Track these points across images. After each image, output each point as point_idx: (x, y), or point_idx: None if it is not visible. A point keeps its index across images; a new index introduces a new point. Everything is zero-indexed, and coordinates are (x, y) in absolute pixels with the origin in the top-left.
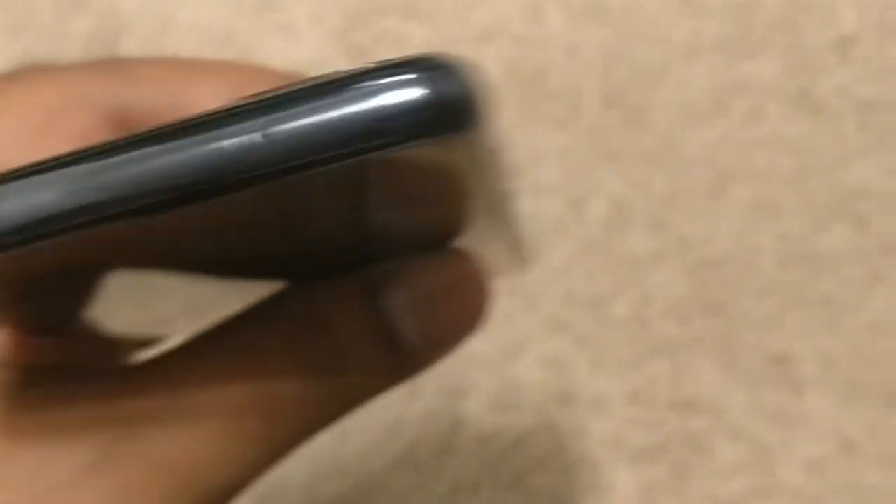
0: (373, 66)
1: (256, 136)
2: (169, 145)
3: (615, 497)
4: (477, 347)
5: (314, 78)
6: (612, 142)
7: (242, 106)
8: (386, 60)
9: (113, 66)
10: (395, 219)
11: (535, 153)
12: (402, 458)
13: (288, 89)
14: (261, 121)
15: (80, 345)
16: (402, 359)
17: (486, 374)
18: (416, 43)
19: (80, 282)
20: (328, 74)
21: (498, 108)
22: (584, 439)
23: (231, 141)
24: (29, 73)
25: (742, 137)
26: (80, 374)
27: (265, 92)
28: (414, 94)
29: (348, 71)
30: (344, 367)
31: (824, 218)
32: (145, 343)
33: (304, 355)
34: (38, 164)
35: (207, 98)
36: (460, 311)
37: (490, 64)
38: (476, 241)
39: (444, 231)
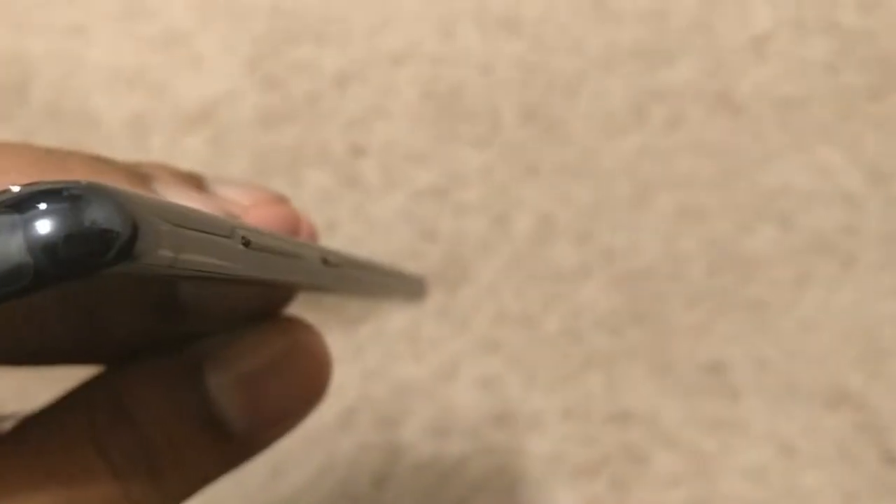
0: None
1: None
2: None
3: None
4: (409, 373)
5: None
6: (533, 157)
7: None
8: (7, 193)
9: None
10: (196, 305)
11: (455, 173)
12: (338, 492)
13: None
14: None
15: None
16: (229, 444)
17: (421, 400)
18: (329, 70)
19: None
20: None
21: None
22: (523, 459)
23: None
24: None
25: (663, 145)
26: None
27: None
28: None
29: None
30: (162, 459)
31: (749, 220)
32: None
33: (112, 451)
34: None
35: (11, 177)
36: (291, 388)
37: (405, 85)
38: (320, 301)
39: (269, 303)
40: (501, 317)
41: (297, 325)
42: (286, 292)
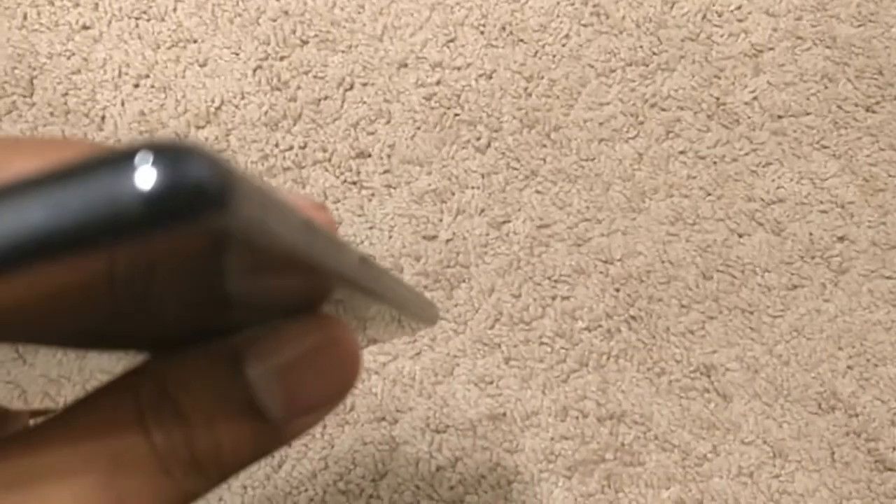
0: (97, 156)
1: None
2: None
3: None
4: (408, 371)
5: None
6: (532, 162)
7: None
8: (114, 149)
9: None
10: (249, 290)
11: (456, 176)
12: (336, 486)
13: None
14: None
15: None
16: (265, 430)
17: (418, 397)
18: (332, 73)
19: None
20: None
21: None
22: (518, 456)
23: None
24: None
25: (659, 151)
26: None
27: None
28: (138, 183)
29: (72, 164)
30: (202, 444)
31: (743, 226)
32: (41, 413)
33: (159, 430)
34: None
35: (19, 165)
36: (325, 379)
37: (408, 90)
38: (350, 307)
39: (308, 297)
40: (499, 318)
41: (330, 320)
42: (322, 288)
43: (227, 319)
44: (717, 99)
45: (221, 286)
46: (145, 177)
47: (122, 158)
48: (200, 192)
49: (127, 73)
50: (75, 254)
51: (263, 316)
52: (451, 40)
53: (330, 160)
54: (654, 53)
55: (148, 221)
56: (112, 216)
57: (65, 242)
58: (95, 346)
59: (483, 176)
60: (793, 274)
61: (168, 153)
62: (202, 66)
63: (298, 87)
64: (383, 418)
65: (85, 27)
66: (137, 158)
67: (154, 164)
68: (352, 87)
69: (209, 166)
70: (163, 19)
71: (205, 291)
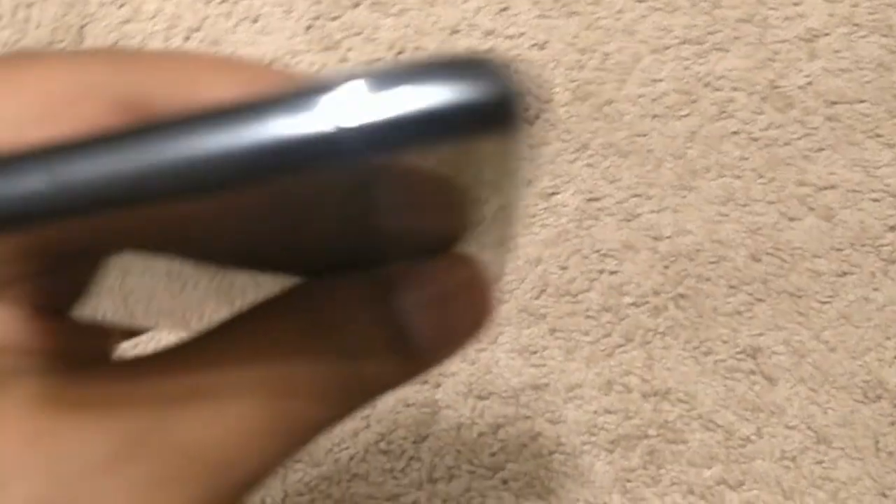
0: (410, 64)
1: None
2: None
3: (592, 485)
4: None
5: (348, 71)
6: (583, 135)
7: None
8: (424, 58)
9: (117, 55)
10: (408, 223)
11: None
12: (377, 447)
13: (350, 78)
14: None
15: (82, 331)
16: (411, 357)
17: (462, 363)
18: (385, 35)
19: (85, 263)
20: (347, 71)
21: (544, 110)
22: (560, 427)
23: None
24: (26, 58)
25: (712, 131)
26: (104, 361)
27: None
28: (466, 91)
29: (380, 69)
30: (356, 363)
31: (794, 210)
32: (132, 334)
33: (319, 349)
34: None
35: (213, 92)
36: (468, 313)
37: None
38: (476, 244)
39: (452, 236)
40: (545, 288)
41: (472, 260)
42: (473, 224)
43: (379, 252)
44: (771, 81)
45: (394, 214)
46: (476, 85)
47: (451, 65)
48: (514, 104)
49: (178, 26)
50: (419, 149)
51: (410, 253)
52: (504, 9)
53: None
54: (709, 33)
55: (477, 125)
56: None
57: (413, 138)
58: (250, 266)
59: (532, 147)
60: (842, 261)
61: (492, 66)
62: (254, 22)
63: (350, 49)
64: (426, 381)
65: None
66: (463, 68)
67: (481, 73)
68: (403, 52)
69: (512, 84)
70: None
71: (374, 219)
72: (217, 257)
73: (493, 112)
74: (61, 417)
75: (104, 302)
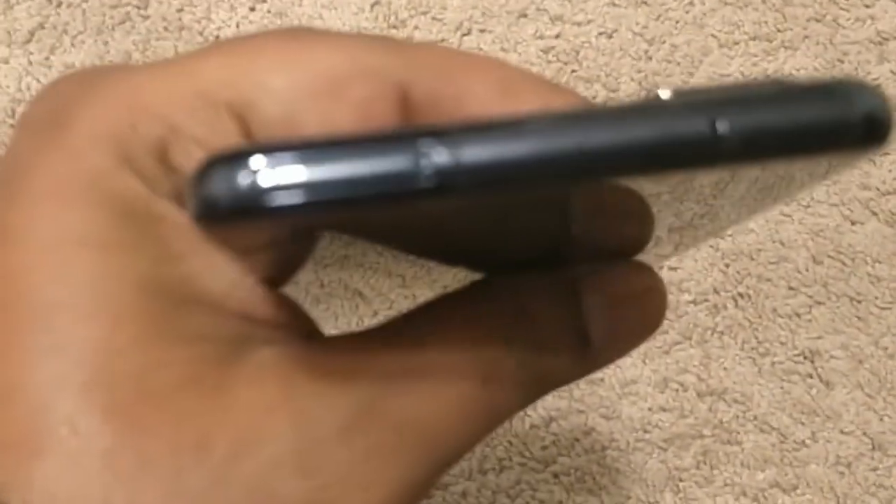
0: (806, 82)
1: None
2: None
3: (644, 482)
4: None
5: (731, 86)
6: None
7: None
8: (814, 80)
9: (391, 43)
10: (599, 229)
11: None
12: None
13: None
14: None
15: (294, 305)
16: (589, 355)
17: None
18: (451, 16)
19: (308, 240)
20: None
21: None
22: (614, 423)
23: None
24: (308, 34)
25: None
26: (320, 336)
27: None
28: (865, 108)
29: (773, 84)
30: (543, 355)
31: (857, 214)
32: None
33: (515, 338)
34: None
35: (477, 89)
36: (643, 318)
37: (526, 41)
38: (654, 253)
39: (635, 245)
40: None
41: (650, 269)
42: (646, 238)
43: (566, 255)
44: None
45: (596, 222)
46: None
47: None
48: (887, 124)
49: (240, 0)
50: (810, 153)
51: (595, 258)
52: None
53: None
54: (779, 30)
55: (857, 140)
56: (842, 129)
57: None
58: (444, 260)
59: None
60: None
61: (864, 88)
62: None
63: (416, 27)
64: None
65: None
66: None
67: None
68: (469, 33)
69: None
70: None
71: (574, 226)
72: (419, 249)
73: (882, 128)
74: (299, 385)
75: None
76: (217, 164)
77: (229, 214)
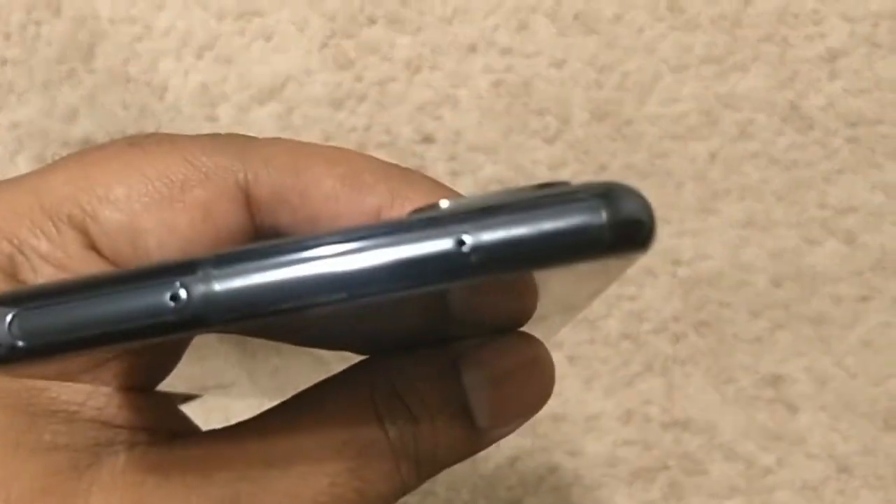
0: (558, 189)
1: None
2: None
3: None
4: None
5: (494, 194)
6: (602, 156)
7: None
8: (565, 185)
9: (235, 141)
10: (484, 309)
11: (522, 166)
12: None
13: (487, 202)
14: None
15: (164, 404)
16: (472, 435)
17: None
18: (401, 54)
19: (179, 344)
20: (500, 192)
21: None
22: (579, 459)
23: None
24: (150, 141)
25: (732, 152)
26: (188, 431)
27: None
28: (614, 214)
29: (528, 191)
30: (420, 432)
31: (815, 234)
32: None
33: (389, 416)
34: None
35: (324, 182)
36: (529, 392)
37: (476, 75)
38: (542, 323)
39: (519, 318)
40: None
41: (534, 339)
42: (529, 311)
43: (447, 332)
44: (792, 102)
45: (450, 308)
46: (619, 208)
47: (599, 193)
48: (643, 228)
49: (189, 44)
50: (548, 265)
51: (478, 332)
52: (523, 27)
53: (394, 143)
54: (730, 52)
55: (605, 248)
56: (581, 240)
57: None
58: (324, 345)
59: (550, 167)
60: (863, 285)
61: (617, 192)
62: (267, 40)
63: (365, 67)
64: None
65: None
66: (611, 194)
67: (617, 199)
68: (419, 70)
69: (645, 205)
70: None
71: (435, 312)
72: (298, 338)
73: (635, 233)
74: (151, 490)
75: (181, 374)
76: None
77: None
